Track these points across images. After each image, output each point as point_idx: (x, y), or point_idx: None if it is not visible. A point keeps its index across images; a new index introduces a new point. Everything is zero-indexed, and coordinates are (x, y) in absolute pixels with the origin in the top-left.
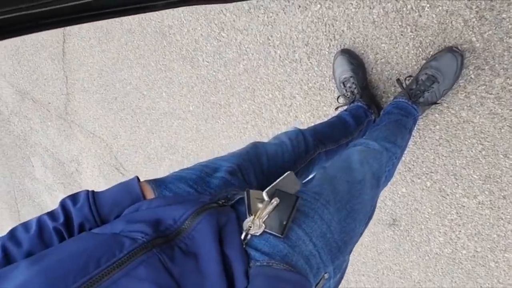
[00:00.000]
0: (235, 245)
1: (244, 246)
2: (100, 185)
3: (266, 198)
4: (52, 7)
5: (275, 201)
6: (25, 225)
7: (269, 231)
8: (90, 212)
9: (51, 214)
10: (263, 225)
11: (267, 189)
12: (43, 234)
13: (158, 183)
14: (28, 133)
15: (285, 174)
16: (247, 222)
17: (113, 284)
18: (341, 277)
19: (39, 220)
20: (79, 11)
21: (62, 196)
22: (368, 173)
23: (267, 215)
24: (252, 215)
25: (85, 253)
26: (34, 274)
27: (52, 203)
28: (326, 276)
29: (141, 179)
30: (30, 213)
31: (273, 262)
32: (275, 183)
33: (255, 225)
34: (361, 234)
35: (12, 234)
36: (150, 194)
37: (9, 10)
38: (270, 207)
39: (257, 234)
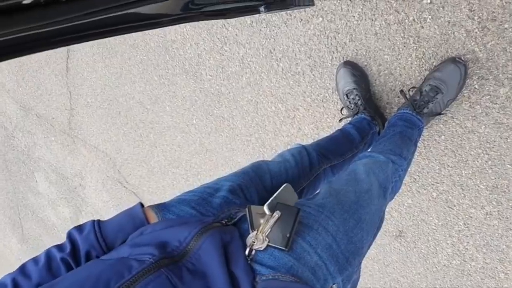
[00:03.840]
0: (240, 261)
1: (249, 261)
2: (103, 199)
3: (267, 212)
4: (61, 25)
5: (277, 214)
6: (35, 259)
7: (273, 245)
8: (96, 240)
9: (59, 246)
10: (267, 239)
11: (267, 203)
12: (51, 265)
13: (160, 208)
14: (32, 148)
15: (282, 187)
16: (250, 238)
17: None
18: None
19: (47, 252)
20: (87, 28)
21: (65, 210)
22: (375, 183)
23: (269, 229)
24: (254, 230)
25: (94, 277)
26: None
27: (56, 218)
28: (335, 287)
29: (145, 193)
30: (33, 229)
31: (278, 275)
32: (274, 196)
33: (258, 240)
34: (370, 245)
35: (22, 268)
36: (153, 218)
37: (22, 29)
38: (272, 221)
39: (261, 248)
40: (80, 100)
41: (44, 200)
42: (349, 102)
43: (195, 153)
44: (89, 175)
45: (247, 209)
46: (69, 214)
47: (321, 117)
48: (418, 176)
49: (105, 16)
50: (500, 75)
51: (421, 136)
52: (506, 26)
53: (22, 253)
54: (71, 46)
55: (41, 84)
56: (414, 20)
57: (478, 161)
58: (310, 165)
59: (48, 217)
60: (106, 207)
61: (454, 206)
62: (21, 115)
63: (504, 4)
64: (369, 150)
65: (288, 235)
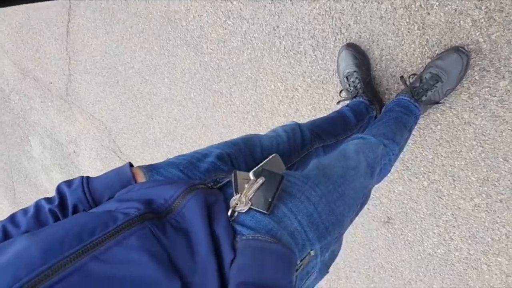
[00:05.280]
0: (222, 221)
1: (230, 222)
2: (97, 168)
3: (252, 177)
4: None
5: (261, 179)
6: (24, 210)
7: (255, 208)
8: (84, 194)
9: (48, 198)
10: (249, 202)
11: (254, 169)
12: (39, 216)
13: (149, 168)
14: (28, 112)
15: (270, 156)
16: (233, 200)
17: (105, 251)
18: (331, 259)
19: (37, 203)
20: None
21: (58, 177)
22: (363, 162)
23: (253, 193)
24: (238, 193)
25: (79, 225)
26: (30, 243)
27: (48, 184)
28: (312, 253)
29: (138, 164)
30: (25, 193)
31: (258, 235)
32: (261, 164)
33: (241, 202)
34: (352, 221)
35: (12, 217)
36: (141, 178)
37: None
38: (256, 186)
39: (243, 211)
40: (79, 66)
41: (38, 165)
42: (349, 84)
43: (191, 127)
44: (84, 142)
45: (233, 174)
46: (61, 180)
47: (320, 98)
48: (411, 164)
49: None
50: (502, 68)
51: (417, 124)
52: None
53: None
54: (73, 8)
55: (40, 47)
56: (421, 6)
57: (471, 153)
58: (302, 143)
59: (41, 182)
60: None
61: (444, 196)
62: (18, 77)
63: None
64: (363, 132)
65: (270, 200)
